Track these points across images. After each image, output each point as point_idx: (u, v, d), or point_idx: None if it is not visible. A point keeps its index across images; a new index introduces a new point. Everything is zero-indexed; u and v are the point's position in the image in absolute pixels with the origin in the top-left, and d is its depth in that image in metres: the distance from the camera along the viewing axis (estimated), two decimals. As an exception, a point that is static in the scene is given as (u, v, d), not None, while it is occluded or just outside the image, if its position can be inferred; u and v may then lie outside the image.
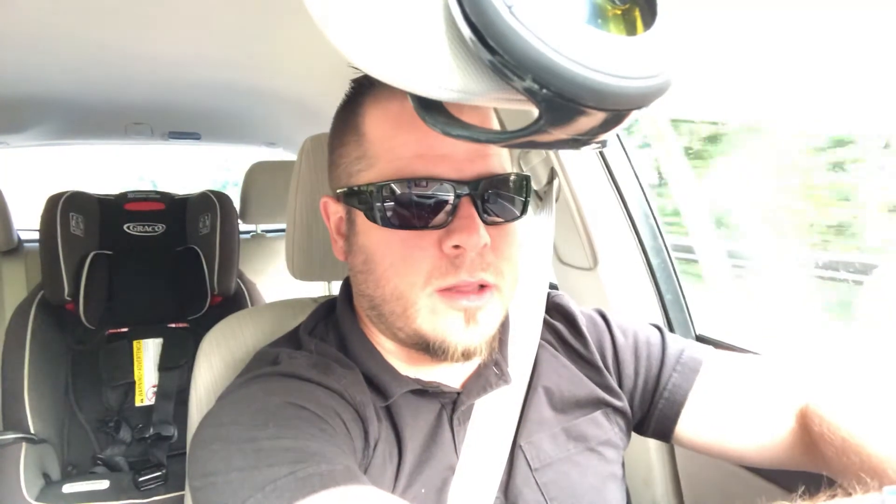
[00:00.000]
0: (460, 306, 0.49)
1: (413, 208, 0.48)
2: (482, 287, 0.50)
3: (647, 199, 1.03)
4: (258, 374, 0.52)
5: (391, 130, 0.50)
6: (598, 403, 0.59)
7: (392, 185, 0.48)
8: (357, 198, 0.51)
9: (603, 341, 0.63)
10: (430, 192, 0.48)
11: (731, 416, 0.58)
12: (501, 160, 0.52)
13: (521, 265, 0.55)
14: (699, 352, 0.62)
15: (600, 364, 0.61)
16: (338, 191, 0.54)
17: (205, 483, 0.41)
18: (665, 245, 1.04)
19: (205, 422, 0.47)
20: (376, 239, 0.51)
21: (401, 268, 0.49)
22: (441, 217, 0.48)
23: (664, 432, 0.61)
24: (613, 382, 0.61)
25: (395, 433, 0.52)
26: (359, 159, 0.51)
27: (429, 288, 0.49)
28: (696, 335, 1.03)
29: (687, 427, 0.59)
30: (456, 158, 0.48)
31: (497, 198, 0.50)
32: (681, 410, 0.59)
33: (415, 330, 0.50)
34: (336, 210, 0.56)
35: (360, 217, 0.52)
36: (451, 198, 0.48)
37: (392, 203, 0.48)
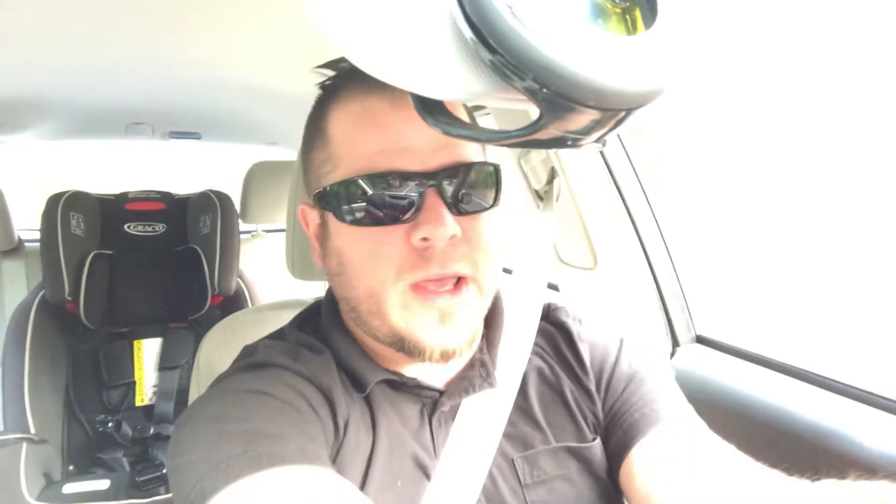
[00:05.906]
0: (434, 305, 0.48)
1: (378, 204, 0.47)
2: (458, 282, 0.49)
3: (647, 199, 1.03)
4: (236, 367, 0.54)
5: (353, 130, 0.49)
6: (587, 424, 0.57)
7: (356, 181, 0.48)
8: (326, 200, 0.51)
9: (605, 366, 0.59)
10: (394, 186, 0.47)
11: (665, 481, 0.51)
12: (470, 150, 0.50)
13: (501, 257, 0.53)
14: (678, 412, 0.57)
15: (593, 387, 0.58)
16: (312, 196, 0.54)
17: (172, 464, 0.44)
18: (666, 245, 1.04)
19: (183, 412, 0.49)
20: (346, 239, 0.50)
21: (370, 266, 0.48)
22: (407, 210, 0.47)
23: (611, 470, 0.56)
24: (599, 405, 0.58)
25: (372, 419, 0.52)
26: (325, 162, 0.51)
27: (400, 284, 0.48)
28: (696, 335, 1.03)
29: (627, 472, 0.54)
30: (419, 150, 0.47)
31: (465, 188, 0.49)
32: (627, 454, 0.54)
33: (390, 328, 0.49)
34: (313, 216, 0.55)
35: (330, 219, 0.51)
36: (415, 190, 0.47)
37: (357, 200, 0.48)
